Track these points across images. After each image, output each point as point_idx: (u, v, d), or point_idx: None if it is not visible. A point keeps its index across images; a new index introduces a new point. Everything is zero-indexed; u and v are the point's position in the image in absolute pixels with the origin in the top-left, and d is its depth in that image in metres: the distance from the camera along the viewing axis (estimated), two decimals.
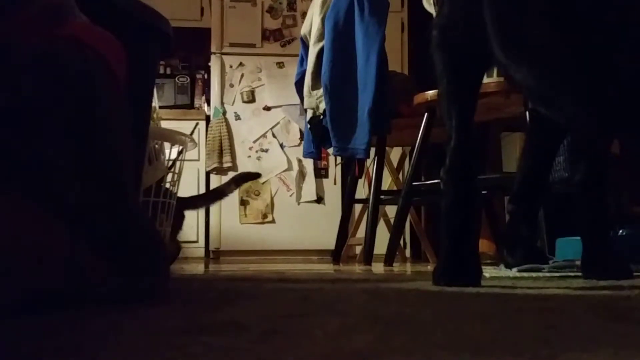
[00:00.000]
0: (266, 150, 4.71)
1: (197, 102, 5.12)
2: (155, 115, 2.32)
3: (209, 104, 4.89)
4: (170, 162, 2.26)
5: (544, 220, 2.59)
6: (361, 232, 3.62)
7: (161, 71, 5.02)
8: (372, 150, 3.15)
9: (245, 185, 4.68)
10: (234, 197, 4.63)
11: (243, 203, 4.67)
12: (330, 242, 3.78)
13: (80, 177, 1.02)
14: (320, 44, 3.21)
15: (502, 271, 1.97)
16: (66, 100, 1.02)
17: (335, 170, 4.64)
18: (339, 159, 4.03)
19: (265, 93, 4.75)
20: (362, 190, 3.85)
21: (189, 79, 5.13)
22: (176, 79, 5.09)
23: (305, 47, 3.41)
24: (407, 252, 4.61)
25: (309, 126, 3.38)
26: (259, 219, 4.67)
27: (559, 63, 1.42)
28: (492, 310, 0.95)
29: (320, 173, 4.75)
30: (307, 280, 1.76)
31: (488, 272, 1.84)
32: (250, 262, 3.61)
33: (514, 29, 1.41)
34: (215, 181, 4.66)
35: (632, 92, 1.38)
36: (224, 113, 4.71)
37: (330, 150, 3.34)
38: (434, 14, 2.53)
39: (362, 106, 3.01)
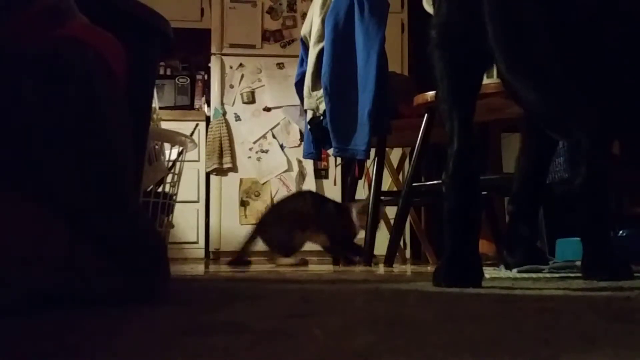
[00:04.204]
0: (266, 151, 4.71)
1: (197, 103, 5.12)
2: (155, 116, 2.32)
3: (209, 105, 4.89)
4: (171, 163, 2.26)
5: (544, 221, 2.59)
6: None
7: (161, 72, 5.03)
8: (372, 151, 3.15)
9: (245, 186, 4.69)
10: (234, 197, 4.64)
11: (243, 204, 4.66)
12: None
13: (80, 176, 1.02)
14: (320, 45, 3.21)
15: (502, 272, 1.97)
16: (66, 101, 1.02)
17: (335, 171, 4.64)
18: (339, 159, 4.02)
19: (266, 94, 4.75)
20: (362, 191, 3.84)
21: (189, 80, 5.13)
22: (176, 79, 5.09)
23: (305, 48, 3.41)
24: (407, 253, 4.61)
25: (309, 127, 3.38)
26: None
27: (562, 81, 1.41)
28: (493, 311, 0.95)
29: (320, 174, 4.75)
30: (307, 281, 1.76)
31: (488, 272, 1.84)
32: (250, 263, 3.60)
33: (518, 44, 1.40)
34: (216, 182, 4.66)
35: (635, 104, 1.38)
36: (224, 114, 4.71)
37: (330, 151, 3.34)
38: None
39: (362, 107, 3.01)
